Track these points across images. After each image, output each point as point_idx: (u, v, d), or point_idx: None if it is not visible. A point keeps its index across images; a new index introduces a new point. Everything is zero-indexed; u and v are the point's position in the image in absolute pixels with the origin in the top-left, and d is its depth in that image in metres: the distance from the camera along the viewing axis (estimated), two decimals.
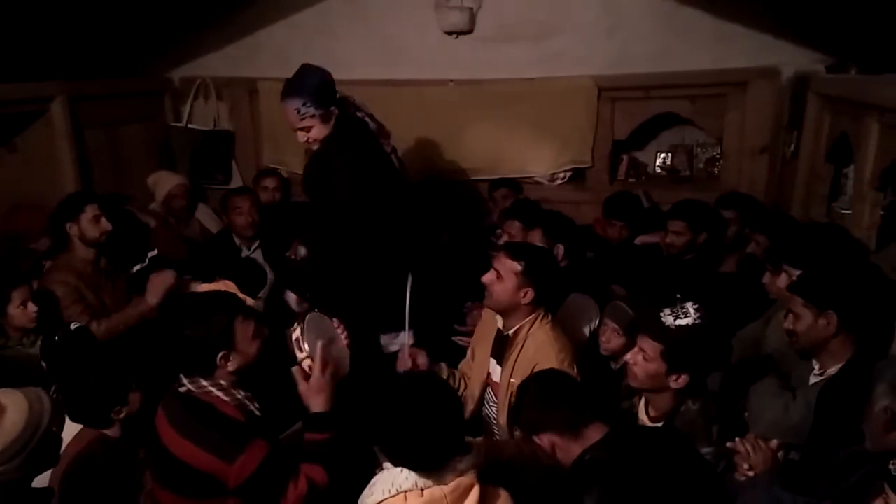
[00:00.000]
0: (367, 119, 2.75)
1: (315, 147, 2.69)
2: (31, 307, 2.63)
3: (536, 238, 3.25)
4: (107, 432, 2.11)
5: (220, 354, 1.86)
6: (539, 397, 1.96)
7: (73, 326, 2.62)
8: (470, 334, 2.91)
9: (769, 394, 2.15)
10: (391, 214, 2.78)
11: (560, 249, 3.25)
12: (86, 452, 2.02)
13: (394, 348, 2.96)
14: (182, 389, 1.89)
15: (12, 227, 3.35)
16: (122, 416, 2.12)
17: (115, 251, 3.13)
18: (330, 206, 2.70)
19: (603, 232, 3.82)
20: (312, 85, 2.60)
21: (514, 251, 2.43)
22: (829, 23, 3.36)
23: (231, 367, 1.88)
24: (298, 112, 2.58)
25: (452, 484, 1.49)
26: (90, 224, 2.93)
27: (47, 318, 2.70)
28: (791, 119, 3.69)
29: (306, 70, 2.67)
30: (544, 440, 1.91)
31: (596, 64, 4.05)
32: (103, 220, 2.96)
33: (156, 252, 3.39)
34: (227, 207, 3.72)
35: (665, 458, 1.83)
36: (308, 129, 2.62)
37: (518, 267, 2.35)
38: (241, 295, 2.09)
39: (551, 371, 2.15)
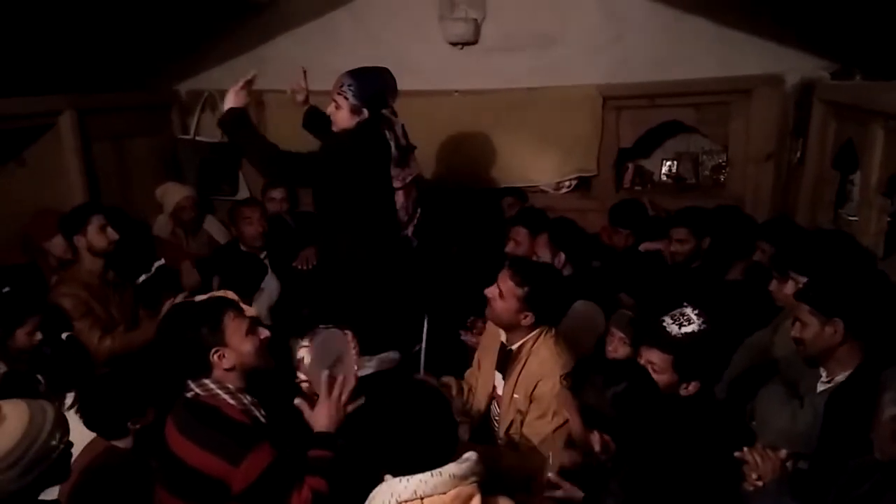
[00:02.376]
0: (392, 143, 2.78)
1: (333, 129, 2.83)
2: (38, 335, 2.61)
3: (542, 244, 3.25)
4: (118, 443, 2.11)
5: (213, 352, 1.88)
6: (627, 395, 1.77)
7: (63, 336, 2.62)
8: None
9: (777, 402, 2.13)
10: (374, 234, 2.82)
11: (561, 257, 3.24)
12: (97, 464, 2.02)
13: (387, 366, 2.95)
14: (189, 395, 1.90)
15: (29, 231, 3.36)
16: (137, 426, 2.12)
17: (122, 261, 3.15)
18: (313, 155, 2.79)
19: (609, 240, 3.82)
20: (368, 82, 2.76)
21: (519, 273, 2.37)
22: (834, 29, 3.35)
23: (226, 364, 1.89)
24: (342, 85, 2.74)
25: (453, 493, 1.45)
26: (97, 234, 2.97)
27: (50, 336, 2.66)
28: (796, 126, 3.68)
29: (380, 71, 2.82)
30: (596, 437, 1.77)
31: (600, 73, 4.06)
32: (109, 229, 3.00)
33: (162, 262, 3.41)
34: (236, 218, 3.74)
35: (681, 460, 1.81)
36: (337, 107, 2.77)
37: (520, 292, 2.33)
38: (243, 305, 2.09)
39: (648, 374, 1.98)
